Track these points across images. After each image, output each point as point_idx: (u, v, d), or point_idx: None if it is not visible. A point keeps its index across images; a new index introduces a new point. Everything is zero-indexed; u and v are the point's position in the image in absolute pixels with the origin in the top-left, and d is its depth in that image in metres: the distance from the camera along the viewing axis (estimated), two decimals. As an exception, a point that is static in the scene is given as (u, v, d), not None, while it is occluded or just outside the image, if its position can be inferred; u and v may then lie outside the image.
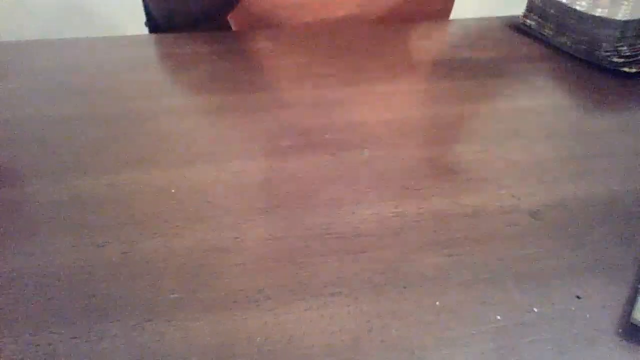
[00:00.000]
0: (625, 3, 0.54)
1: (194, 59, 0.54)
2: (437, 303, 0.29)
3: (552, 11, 0.57)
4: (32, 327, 0.27)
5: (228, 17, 0.72)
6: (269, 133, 0.43)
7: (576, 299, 0.29)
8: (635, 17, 0.50)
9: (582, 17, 0.53)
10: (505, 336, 0.27)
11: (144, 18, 0.75)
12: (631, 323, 0.27)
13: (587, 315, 0.28)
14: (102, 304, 0.28)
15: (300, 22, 0.65)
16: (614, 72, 0.52)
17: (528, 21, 0.60)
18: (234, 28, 0.73)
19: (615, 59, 0.51)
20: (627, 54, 0.51)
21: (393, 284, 0.30)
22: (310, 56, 0.55)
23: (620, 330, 0.27)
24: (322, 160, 0.40)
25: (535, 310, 0.28)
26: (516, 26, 0.62)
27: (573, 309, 0.28)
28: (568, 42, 0.55)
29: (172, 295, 0.29)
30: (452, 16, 0.78)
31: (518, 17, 0.62)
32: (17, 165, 0.39)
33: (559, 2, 0.56)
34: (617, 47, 0.51)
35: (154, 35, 0.60)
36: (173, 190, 0.36)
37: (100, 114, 0.45)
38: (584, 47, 0.54)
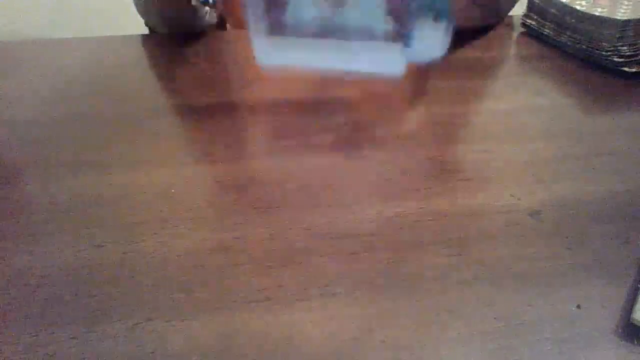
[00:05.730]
0: (626, 3, 0.54)
1: (194, 59, 0.54)
2: (437, 303, 0.29)
3: (552, 11, 0.57)
4: (32, 327, 0.27)
5: (225, 16, 0.72)
6: (269, 133, 0.43)
7: (576, 299, 0.29)
8: (635, 16, 0.50)
9: (582, 17, 0.53)
10: (505, 336, 0.27)
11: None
12: (631, 323, 0.27)
13: (587, 315, 0.28)
14: (102, 304, 0.28)
15: None
16: (614, 71, 0.52)
17: (528, 21, 0.60)
18: (229, 28, 0.73)
19: (616, 59, 0.51)
20: (627, 53, 0.51)
21: (393, 283, 0.30)
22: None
23: (620, 330, 0.27)
24: (323, 160, 0.39)
25: (535, 310, 0.28)
26: (516, 26, 0.62)
27: (573, 309, 0.28)
28: (568, 42, 0.55)
29: (172, 295, 0.29)
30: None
31: (518, 17, 0.62)
32: (17, 165, 0.39)
33: (559, 1, 0.55)
34: (617, 46, 0.51)
35: (153, 35, 0.60)
36: (173, 190, 0.36)
37: (100, 114, 0.45)
38: (584, 46, 0.54)
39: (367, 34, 0.41)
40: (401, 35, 0.40)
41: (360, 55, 0.42)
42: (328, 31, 0.42)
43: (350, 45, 0.42)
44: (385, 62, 0.42)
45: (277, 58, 0.43)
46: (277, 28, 0.42)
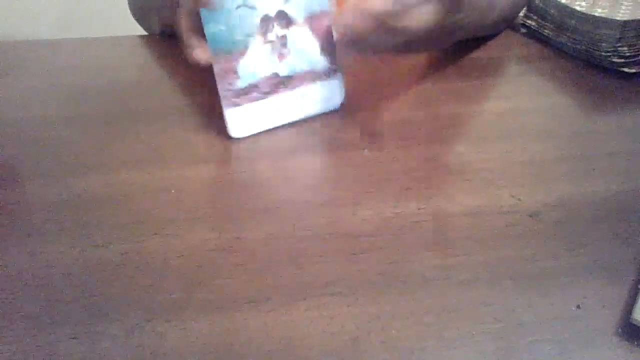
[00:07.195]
0: (626, 3, 0.54)
1: (194, 59, 0.54)
2: (437, 303, 0.29)
3: (552, 11, 0.57)
4: (32, 327, 0.27)
5: None
6: (269, 132, 0.42)
7: (576, 299, 0.29)
8: (635, 17, 0.50)
9: (582, 17, 0.53)
10: (505, 336, 0.27)
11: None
12: (631, 323, 0.27)
13: (587, 315, 0.28)
14: (102, 304, 0.28)
15: None
16: (613, 72, 0.52)
17: (528, 21, 0.60)
18: None
19: (615, 59, 0.51)
20: (627, 54, 0.51)
21: (393, 284, 0.30)
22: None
23: (620, 330, 0.27)
24: (322, 160, 0.40)
25: (535, 310, 0.28)
26: (516, 26, 0.62)
27: (573, 309, 0.28)
28: (568, 43, 0.55)
29: (172, 295, 0.29)
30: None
31: (518, 17, 0.62)
32: (17, 165, 0.39)
33: (558, 2, 0.56)
34: (617, 47, 0.51)
35: (153, 36, 0.60)
36: (173, 190, 0.36)
37: (100, 114, 0.45)
38: (583, 47, 0.54)
39: (311, 77, 0.42)
40: (335, 69, 0.43)
41: (306, 99, 0.43)
42: (280, 85, 0.42)
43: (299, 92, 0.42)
44: (328, 97, 0.44)
45: (248, 127, 0.42)
46: (241, 95, 0.41)
